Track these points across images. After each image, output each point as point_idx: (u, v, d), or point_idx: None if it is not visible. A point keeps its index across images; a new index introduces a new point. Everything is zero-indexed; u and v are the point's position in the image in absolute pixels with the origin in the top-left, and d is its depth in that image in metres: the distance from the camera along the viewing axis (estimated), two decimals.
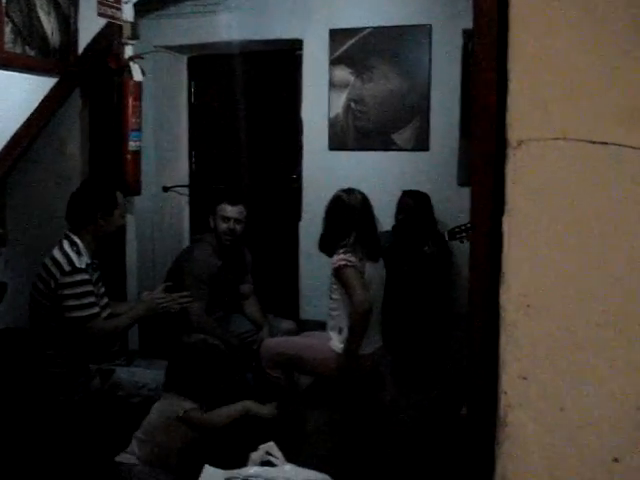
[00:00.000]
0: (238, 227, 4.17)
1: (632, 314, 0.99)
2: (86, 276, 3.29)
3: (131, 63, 4.35)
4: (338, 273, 3.44)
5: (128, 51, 4.42)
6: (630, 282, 0.99)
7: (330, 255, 3.59)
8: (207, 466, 2.21)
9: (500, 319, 1.05)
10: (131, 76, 4.32)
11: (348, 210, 3.58)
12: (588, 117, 0.99)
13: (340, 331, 3.50)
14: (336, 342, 3.50)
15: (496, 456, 1.08)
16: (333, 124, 5.08)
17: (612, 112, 0.99)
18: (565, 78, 1.00)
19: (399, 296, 4.21)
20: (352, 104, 5.03)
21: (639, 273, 0.99)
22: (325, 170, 5.09)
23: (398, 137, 4.94)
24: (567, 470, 1.04)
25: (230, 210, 4.17)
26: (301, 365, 3.62)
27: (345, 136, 5.06)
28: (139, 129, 4.35)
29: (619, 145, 0.98)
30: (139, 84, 4.34)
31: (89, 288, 3.30)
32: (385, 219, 4.66)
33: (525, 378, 1.05)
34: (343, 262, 3.41)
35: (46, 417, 3.28)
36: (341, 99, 5.05)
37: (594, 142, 0.98)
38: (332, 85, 5.06)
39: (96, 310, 3.29)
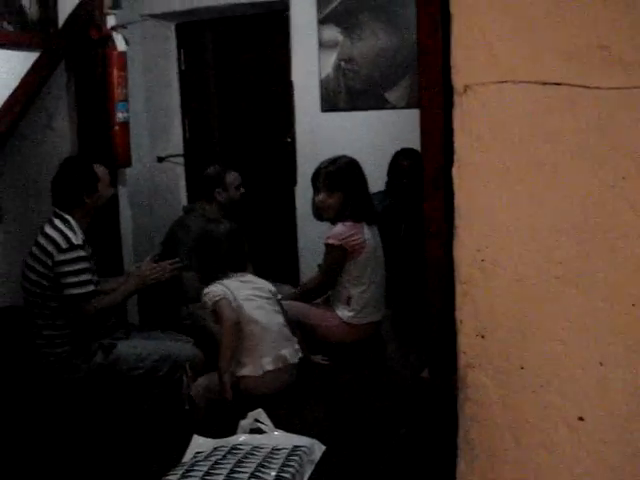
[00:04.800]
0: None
1: (590, 265, 0.94)
2: (83, 253, 3.26)
3: (114, 33, 4.26)
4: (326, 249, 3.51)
5: (110, 21, 4.33)
6: (586, 232, 0.93)
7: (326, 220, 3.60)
8: (196, 436, 2.20)
9: (455, 276, 1.00)
10: (114, 46, 4.24)
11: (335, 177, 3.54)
12: (538, 57, 0.93)
13: (348, 301, 3.49)
14: (344, 312, 3.51)
15: (459, 418, 1.04)
16: (324, 85, 4.98)
17: (564, 51, 0.92)
18: (511, 15, 0.93)
19: (401, 258, 4.16)
20: (342, 64, 4.92)
21: (595, 222, 0.93)
22: (318, 132, 5.01)
23: (391, 95, 4.85)
24: (531, 430, 1.00)
25: (238, 177, 4.29)
26: (308, 330, 3.59)
27: (337, 97, 4.97)
28: (126, 100, 4.28)
29: (572, 85, 0.91)
30: (123, 54, 4.26)
31: (87, 265, 3.28)
32: (380, 179, 4.59)
33: (483, 337, 1.00)
34: (331, 241, 3.46)
35: (52, 397, 3.28)
36: (331, 59, 4.95)
37: (545, 83, 0.92)
38: (321, 45, 4.95)
39: (92, 288, 3.27)
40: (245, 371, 3.02)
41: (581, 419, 0.98)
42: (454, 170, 0.98)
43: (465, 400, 1.03)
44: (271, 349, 3.06)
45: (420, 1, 0.98)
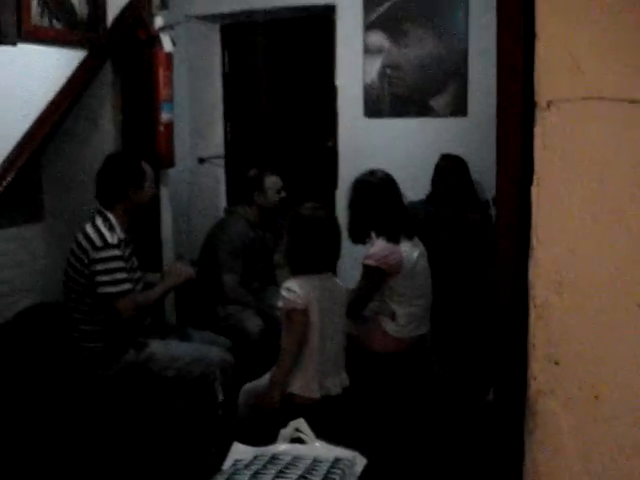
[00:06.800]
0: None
1: None
2: (118, 252, 3.26)
3: (161, 34, 4.27)
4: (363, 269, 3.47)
5: (158, 22, 4.34)
6: None
7: (362, 242, 3.54)
8: (236, 443, 2.17)
9: (529, 298, 0.96)
10: (161, 47, 4.25)
11: (373, 191, 3.50)
12: (625, 74, 0.88)
13: (393, 316, 3.45)
14: (389, 324, 3.48)
15: (526, 445, 1.00)
16: (368, 91, 4.96)
17: None
18: (599, 32, 0.89)
19: (441, 268, 4.10)
20: (387, 70, 4.89)
21: None
22: (361, 137, 4.98)
23: (435, 103, 4.80)
24: (602, 462, 0.95)
25: (278, 181, 4.22)
26: (351, 339, 3.55)
27: (381, 103, 4.94)
28: (171, 100, 4.29)
29: None
30: (169, 55, 4.27)
31: (121, 264, 3.27)
32: (421, 187, 4.56)
33: (557, 363, 0.96)
34: (368, 262, 3.42)
35: (84, 391, 3.30)
36: (376, 65, 4.92)
37: (632, 101, 0.88)
38: (367, 51, 4.93)
39: (127, 287, 3.26)
40: (295, 389, 2.95)
41: None
42: (533, 188, 0.94)
43: (534, 427, 0.99)
44: (320, 375, 2.96)
45: (502, 15, 0.95)
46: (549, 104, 0.92)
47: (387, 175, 3.56)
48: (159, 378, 3.35)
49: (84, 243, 3.26)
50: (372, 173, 3.57)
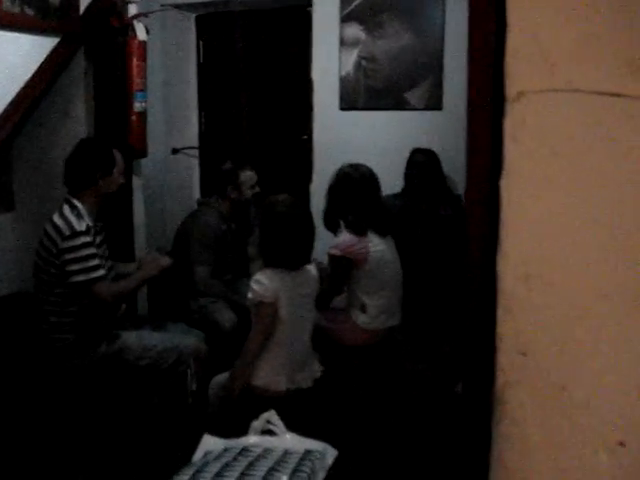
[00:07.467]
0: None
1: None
2: (87, 239, 3.24)
3: (135, 22, 4.23)
4: (328, 259, 3.49)
5: (132, 10, 4.31)
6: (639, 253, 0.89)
7: (334, 230, 3.57)
8: (207, 435, 2.17)
9: (497, 290, 0.96)
10: (135, 35, 4.21)
11: (352, 185, 3.51)
12: (597, 66, 0.88)
13: (363, 308, 3.47)
14: (359, 316, 3.50)
15: (492, 436, 1.00)
16: (344, 83, 4.95)
17: (625, 61, 0.88)
18: (571, 22, 0.89)
19: (413, 262, 4.11)
20: (363, 62, 4.89)
21: None
22: (336, 130, 4.97)
23: (411, 96, 4.81)
24: (568, 453, 0.96)
25: (253, 176, 4.22)
26: (322, 333, 3.55)
27: (356, 95, 4.94)
28: (144, 90, 4.25)
29: (632, 97, 0.87)
30: (143, 44, 4.23)
31: (91, 251, 3.25)
32: (396, 181, 4.56)
33: (524, 354, 0.96)
34: (333, 251, 3.45)
35: (56, 382, 3.28)
36: (352, 57, 4.91)
37: (603, 93, 0.88)
38: (343, 43, 4.92)
39: (101, 273, 3.25)
40: (261, 381, 2.94)
41: (622, 444, 0.94)
42: (502, 182, 0.94)
43: (501, 419, 0.99)
44: (289, 369, 2.97)
45: (474, 6, 0.94)
46: (519, 95, 0.91)
47: (370, 172, 3.58)
48: (132, 368, 3.35)
49: (52, 233, 3.23)
50: (356, 167, 3.58)
